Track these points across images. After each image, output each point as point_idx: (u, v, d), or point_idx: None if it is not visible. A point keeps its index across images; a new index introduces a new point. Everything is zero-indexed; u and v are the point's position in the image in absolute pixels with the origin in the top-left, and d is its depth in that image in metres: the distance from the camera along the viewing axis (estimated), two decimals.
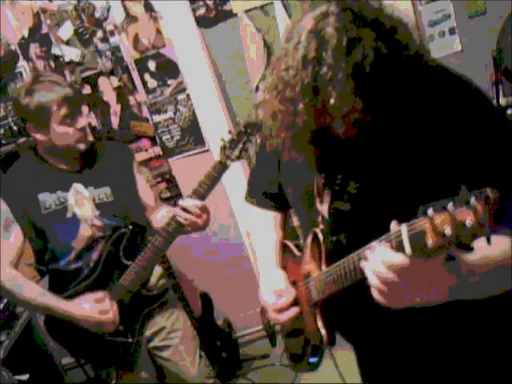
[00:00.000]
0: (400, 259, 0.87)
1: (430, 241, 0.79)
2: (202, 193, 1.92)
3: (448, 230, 0.76)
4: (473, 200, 0.75)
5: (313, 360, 1.43)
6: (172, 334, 2.21)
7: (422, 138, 1.04)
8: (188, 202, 1.93)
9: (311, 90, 0.96)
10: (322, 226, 1.25)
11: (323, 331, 1.29)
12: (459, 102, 1.05)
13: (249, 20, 2.80)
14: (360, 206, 1.13)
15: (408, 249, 0.83)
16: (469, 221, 0.75)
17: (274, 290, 1.38)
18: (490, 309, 1.18)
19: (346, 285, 1.13)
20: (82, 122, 1.96)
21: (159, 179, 3.06)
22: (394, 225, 0.90)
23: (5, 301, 2.68)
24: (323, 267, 1.25)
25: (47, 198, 2.00)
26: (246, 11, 2.79)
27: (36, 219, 1.99)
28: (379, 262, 0.91)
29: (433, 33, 2.78)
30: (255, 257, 1.53)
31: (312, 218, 1.27)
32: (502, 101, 2.65)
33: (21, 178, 2.02)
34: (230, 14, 2.82)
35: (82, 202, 2.02)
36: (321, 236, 1.25)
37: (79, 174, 2.05)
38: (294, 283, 1.40)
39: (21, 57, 2.88)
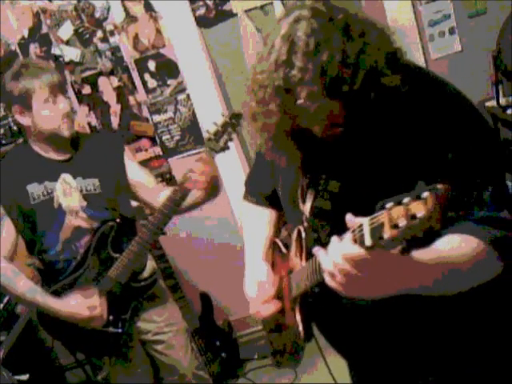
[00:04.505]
0: (358, 251, 0.89)
1: (387, 233, 0.81)
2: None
3: (402, 222, 0.79)
4: (425, 194, 0.78)
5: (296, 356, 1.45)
6: (165, 329, 2.24)
7: (398, 138, 1.07)
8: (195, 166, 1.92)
9: (282, 92, 1.01)
10: (305, 224, 1.28)
11: (300, 326, 1.31)
12: (433, 105, 1.08)
13: (249, 20, 2.80)
14: (340, 204, 1.16)
15: (369, 242, 0.86)
16: (420, 213, 0.78)
17: (257, 282, 1.41)
18: (481, 316, 1.20)
19: (316, 280, 1.17)
20: (64, 102, 1.97)
21: (159, 179, 3.06)
22: (351, 218, 0.92)
23: (5, 301, 2.69)
24: (303, 263, 1.29)
25: (35, 189, 2.02)
26: (246, 11, 2.80)
27: (25, 210, 2.02)
28: (338, 253, 0.93)
29: (433, 33, 2.78)
30: (244, 249, 1.55)
31: (297, 217, 1.29)
32: (502, 101, 2.65)
33: (11, 171, 2.04)
34: (230, 14, 2.82)
35: (70, 193, 2.04)
36: (303, 233, 1.28)
37: (68, 163, 2.06)
38: (280, 279, 1.42)
39: (21, 57, 2.88)
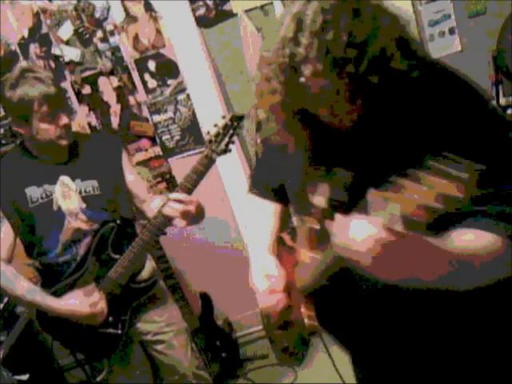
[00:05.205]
0: (375, 231, 0.90)
1: (418, 216, 0.82)
2: (188, 187, 1.90)
3: (437, 204, 0.79)
4: (465, 175, 0.79)
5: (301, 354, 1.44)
6: (166, 329, 2.24)
7: (411, 127, 1.05)
8: (174, 196, 1.91)
9: (287, 69, 1.00)
10: (315, 217, 1.26)
11: (306, 319, 1.30)
12: (449, 93, 1.07)
13: (249, 20, 2.80)
14: (357, 195, 1.13)
15: (400, 227, 0.87)
16: (458, 194, 0.78)
17: (265, 275, 1.37)
18: (495, 318, 1.19)
19: (325, 273, 1.16)
20: (63, 119, 1.96)
21: (159, 179, 3.06)
22: (372, 194, 0.91)
23: (5, 301, 2.69)
24: (313, 256, 1.26)
25: (34, 192, 2.02)
26: (246, 11, 2.79)
27: (24, 213, 2.02)
28: (368, 237, 0.93)
29: (433, 33, 2.78)
30: (248, 243, 1.51)
31: (307, 210, 1.27)
32: (502, 101, 2.65)
33: (9, 173, 2.04)
34: (230, 14, 2.82)
35: (69, 195, 2.04)
36: (315, 226, 1.26)
37: (66, 166, 2.06)
38: (287, 273, 1.39)
39: (21, 57, 2.88)
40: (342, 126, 1.08)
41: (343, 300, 1.25)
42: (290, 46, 0.99)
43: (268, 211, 1.50)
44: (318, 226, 1.26)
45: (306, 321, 1.30)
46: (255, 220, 1.52)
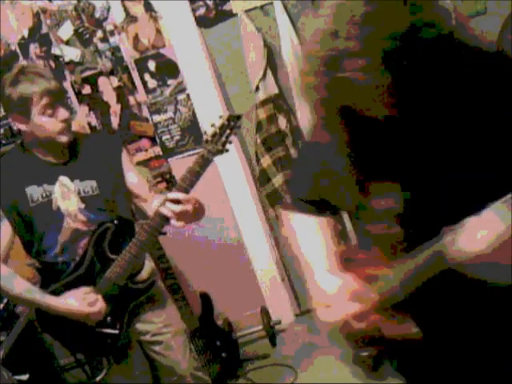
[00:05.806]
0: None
1: None
2: (185, 188, 1.90)
3: None
4: None
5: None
6: (164, 330, 2.23)
7: (467, 121, 1.01)
8: (171, 196, 1.90)
9: (328, 63, 0.96)
10: (379, 222, 1.17)
11: (387, 332, 1.20)
12: (501, 82, 1.02)
13: (249, 20, 2.80)
14: (425, 197, 1.09)
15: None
16: None
17: (351, 292, 1.21)
18: None
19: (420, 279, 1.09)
20: (63, 113, 1.96)
21: (159, 179, 3.06)
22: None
23: (5, 301, 2.69)
24: (389, 266, 1.17)
25: (34, 191, 2.03)
26: (246, 11, 2.80)
27: (24, 212, 2.02)
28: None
29: None
30: (306, 267, 1.33)
31: (363, 214, 1.20)
32: None
33: (9, 172, 2.04)
34: (230, 14, 2.82)
35: (68, 195, 2.04)
36: (378, 231, 1.18)
37: (65, 166, 2.06)
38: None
39: (21, 57, 2.88)
40: (385, 122, 1.01)
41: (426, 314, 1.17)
42: (331, 39, 0.94)
43: (314, 227, 1.35)
44: (380, 231, 1.16)
45: (378, 333, 1.21)
46: (303, 241, 1.36)
